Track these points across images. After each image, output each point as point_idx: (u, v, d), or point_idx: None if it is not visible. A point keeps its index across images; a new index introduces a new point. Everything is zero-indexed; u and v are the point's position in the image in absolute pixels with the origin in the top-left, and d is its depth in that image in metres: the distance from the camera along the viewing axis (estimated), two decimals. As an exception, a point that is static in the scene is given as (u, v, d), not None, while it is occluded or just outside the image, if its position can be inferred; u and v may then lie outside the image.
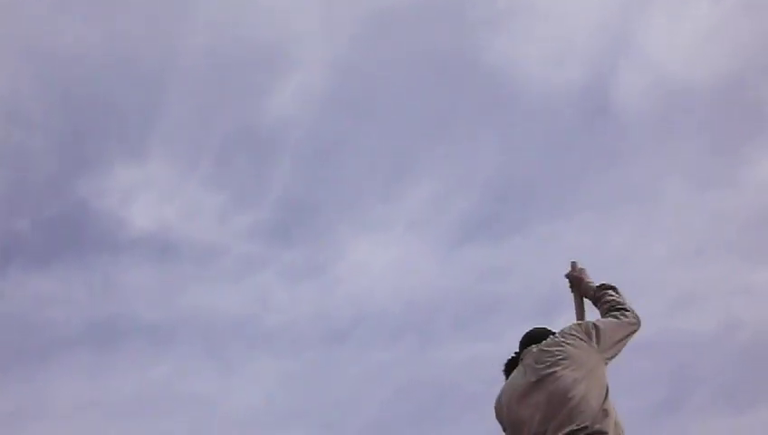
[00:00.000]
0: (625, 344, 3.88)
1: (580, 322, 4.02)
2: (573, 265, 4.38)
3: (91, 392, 17.38)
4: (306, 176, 19.45)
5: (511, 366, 3.99)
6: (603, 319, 3.94)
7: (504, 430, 3.86)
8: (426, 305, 18.14)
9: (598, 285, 4.19)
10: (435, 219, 18.99)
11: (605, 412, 3.54)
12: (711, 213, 17.24)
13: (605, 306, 4.03)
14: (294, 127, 19.06)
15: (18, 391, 17.25)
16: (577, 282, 4.31)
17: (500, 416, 3.87)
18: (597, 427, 3.47)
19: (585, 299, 4.27)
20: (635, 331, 3.93)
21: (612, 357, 3.82)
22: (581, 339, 3.76)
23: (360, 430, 16.23)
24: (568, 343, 3.75)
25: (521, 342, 4.02)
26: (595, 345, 3.75)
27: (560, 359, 3.68)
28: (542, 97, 18.13)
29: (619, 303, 4.01)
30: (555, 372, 3.64)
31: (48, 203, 18.62)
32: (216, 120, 18.91)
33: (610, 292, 4.08)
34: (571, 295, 4.34)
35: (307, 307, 18.84)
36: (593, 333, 3.79)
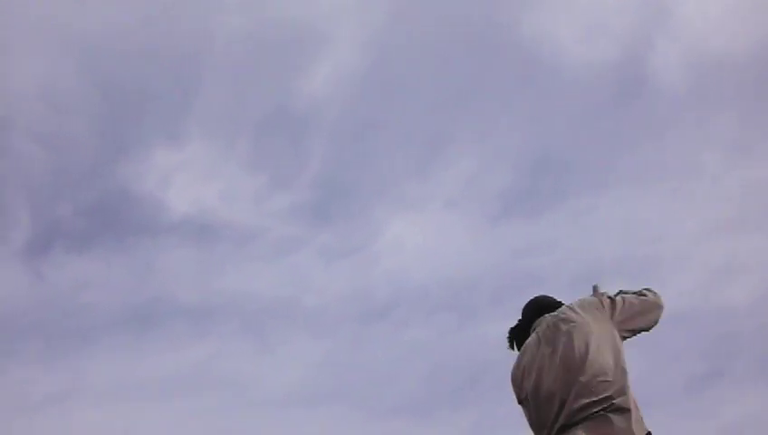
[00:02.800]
0: (645, 322, 3.79)
1: (596, 293, 3.88)
2: (595, 289, 4.10)
3: (132, 374, 17.62)
4: (342, 155, 19.52)
5: (516, 334, 3.98)
6: (623, 296, 3.83)
7: (521, 402, 3.81)
8: (463, 282, 18.18)
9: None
10: (471, 196, 18.98)
11: (624, 386, 3.52)
12: (747, 184, 17.09)
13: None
14: (330, 106, 19.09)
15: (60, 374, 17.54)
16: None
17: (518, 386, 3.81)
18: (617, 401, 3.45)
19: None
20: (657, 310, 3.83)
21: (628, 331, 3.75)
22: (596, 309, 3.72)
23: (398, 409, 16.34)
24: (582, 313, 3.71)
25: (530, 309, 4.00)
26: (609, 317, 3.70)
27: (574, 328, 3.65)
28: (578, 71, 18.03)
29: (641, 291, 3.89)
30: (572, 342, 3.61)
31: (88, 187, 18.84)
32: (251, 101, 19.00)
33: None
34: None
35: (344, 286, 18.95)
36: (608, 304, 3.74)
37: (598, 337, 3.62)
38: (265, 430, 16.11)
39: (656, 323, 3.82)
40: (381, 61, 18.71)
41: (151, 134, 19.01)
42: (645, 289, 3.90)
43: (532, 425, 3.72)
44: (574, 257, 17.13)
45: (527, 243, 18.08)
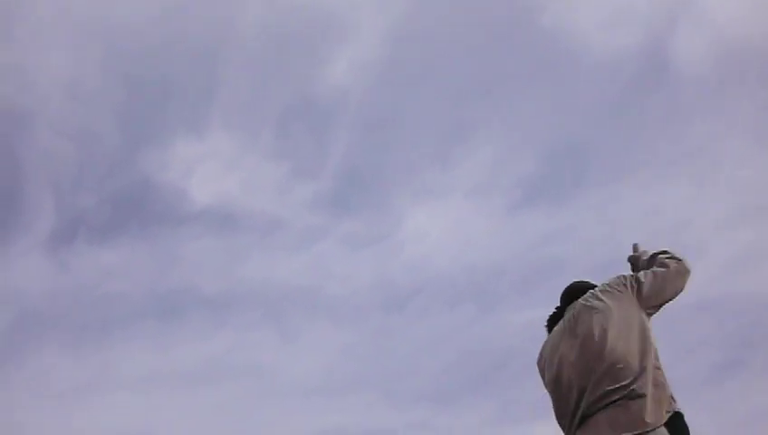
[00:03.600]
0: (673, 292, 3.79)
1: (621, 275, 3.90)
2: (635, 247, 4.18)
3: (156, 364, 17.78)
4: (364, 145, 19.55)
5: (554, 322, 4.01)
6: (647, 271, 3.84)
7: (546, 386, 3.88)
8: (485, 271, 18.20)
9: (651, 254, 4.02)
10: (493, 184, 18.98)
11: (643, 369, 3.53)
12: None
13: (655, 264, 3.91)
14: (351, 96, 19.12)
15: (85, 364, 17.71)
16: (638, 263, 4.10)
17: (542, 372, 3.91)
18: (635, 387, 3.47)
19: None
20: (683, 277, 3.81)
21: (657, 306, 3.76)
22: (620, 292, 3.76)
23: (421, 397, 16.39)
24: (606, 298, 3.75)
25: (563, 296, 4.04)
26: (635, 297, 3.73)
27: (595, 316, 3.70)
28: (600, 58, 17.95)
29: (667, 255, 3.89)
30: (592, 331, 3.66)
31: (112, 178, 18.97)
32: (273, 91, 19.05)
33: (662, 255, 3.93)
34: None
35: (367, 275, 19.01)
36: (634, 286, 3.77)
37: (619, 321, 3.66)
38: (289, 419, 16.21)
39: (681, 290, 3.82)
40: (403, 50, 18.71)
41: (174, 125, 19.14)
42: (667, 254, 3.90)
43: (555, 413, 3.78)
44: (596, 245, 17.12)
45: (549, 231, 18.09)
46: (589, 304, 3.80)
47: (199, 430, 16.19)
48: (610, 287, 3.83)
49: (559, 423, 3.76)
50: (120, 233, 19.29)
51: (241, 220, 19.25)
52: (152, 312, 18.46)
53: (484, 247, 18.66)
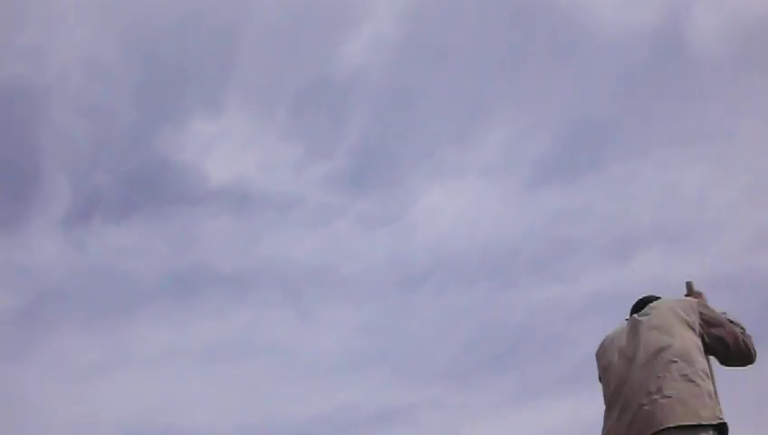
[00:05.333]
0: (721, 342, 3.72)
1: (693, 300, 3.90)
2: (689, 285, 4.16)
3: (174, 341, 17.90)
4: (381, 124, 19.51)
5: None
6: (720, 315, 3.80)
7: (600, 374, 3.90)
8: (501, 249, 18.21)
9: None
10: (509, 163, 18.93)
11: (696, 369, 3.52)
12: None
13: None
14: (368, 75, 19.08)
15: (105, 341, 17.84)
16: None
17: (598, 360, 3.94)
18: (688, 382, 3.46)
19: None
20: (738, 336, 3.74)
21: (708, 335, 3.72)
22: (684, 312, 3.76)
23: (438, 375, 16.47)
24: (671, 313, 3.76)
25: (637, 305, 4.04)
26: (696, 327, 3.71)
27: (659, 319, 3.75)
28: (616, 37, 17.84)
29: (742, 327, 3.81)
30: (651, 328, 3.71)
31: (128, 157, 19.01)
32: (290, 70, 19.03)
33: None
34: None
35: (383, 254, 19.05)
36: (699, 314, 3.76)
37: (681, 329, 3.67)
38: (306, 396, 16.33)
39: (736, 346, 3.73)
40: (419, 29, 18.65)
41: (191, 104, 19.17)
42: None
43: (604, 400, 3.78)
44: (613, 223, 17.13)
45: (565, 209, 18.06)
46: (653, 307, 3.85)
47: (217, 408, 16.33)
48: (679, 303, 3.83)
49: (606, 409, 3.73)
50: (136, 212, 19.36)
51: (257, 199, 19.29)
52: (169, 291, 18.58)
53: (500, 226, 18.68)
